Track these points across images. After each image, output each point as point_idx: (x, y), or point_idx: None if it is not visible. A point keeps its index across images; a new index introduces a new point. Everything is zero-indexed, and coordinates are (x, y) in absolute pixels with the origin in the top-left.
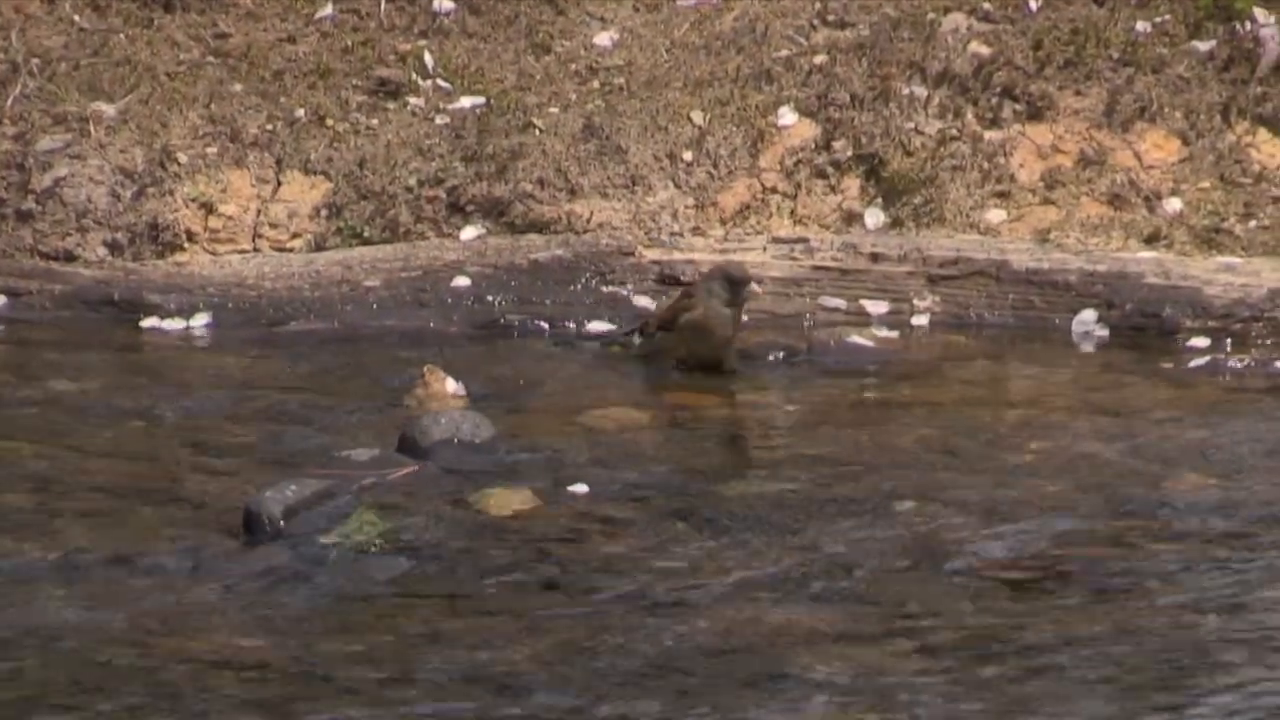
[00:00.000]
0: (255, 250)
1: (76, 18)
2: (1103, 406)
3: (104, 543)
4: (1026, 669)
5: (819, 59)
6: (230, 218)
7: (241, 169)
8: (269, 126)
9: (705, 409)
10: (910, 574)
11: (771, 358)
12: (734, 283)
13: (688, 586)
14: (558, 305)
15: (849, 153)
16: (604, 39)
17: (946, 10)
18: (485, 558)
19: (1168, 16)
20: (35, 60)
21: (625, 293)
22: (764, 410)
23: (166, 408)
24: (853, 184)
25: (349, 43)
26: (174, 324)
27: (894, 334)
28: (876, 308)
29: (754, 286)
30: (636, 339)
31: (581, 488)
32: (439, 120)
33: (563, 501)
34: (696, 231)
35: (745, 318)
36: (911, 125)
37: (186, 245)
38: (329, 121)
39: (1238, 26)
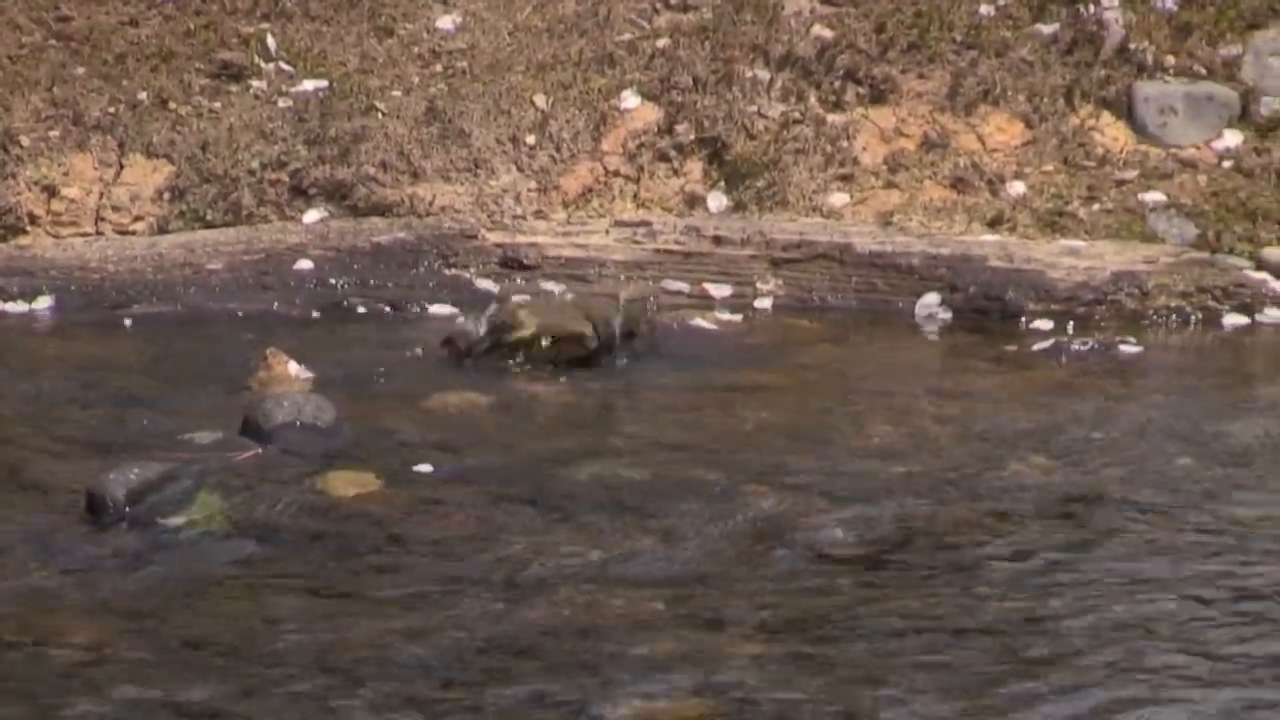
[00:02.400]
0: (98, 233)
1: None
2: (946, 389)
3: None
4: (868, 651)
5: (661, 42)
6: (73, 201)
7: (84, 152)
8: (111, 110)
9: (549, 394)
10: (753, 556)
11: None
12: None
13: (531, 568)
14: (400, 288)
15: (691, 136)
16: (447, 22)
17: None
18: (328, 540)
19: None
20: None
21: (468, 275)
22: (608, 395)
23: (8, 390)
24: (695, 167)
25: (191, 26)
26: (16, 307)
27: (737, 317)
28: (719, 291)
29: None
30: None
31: (425, 469)
32: (282, 103)
33: (406, 484)
34: (539, 215)
35: None
36: (754, 109)
37: (29, 228)
38: (171, 105)
39: (1081, 9)
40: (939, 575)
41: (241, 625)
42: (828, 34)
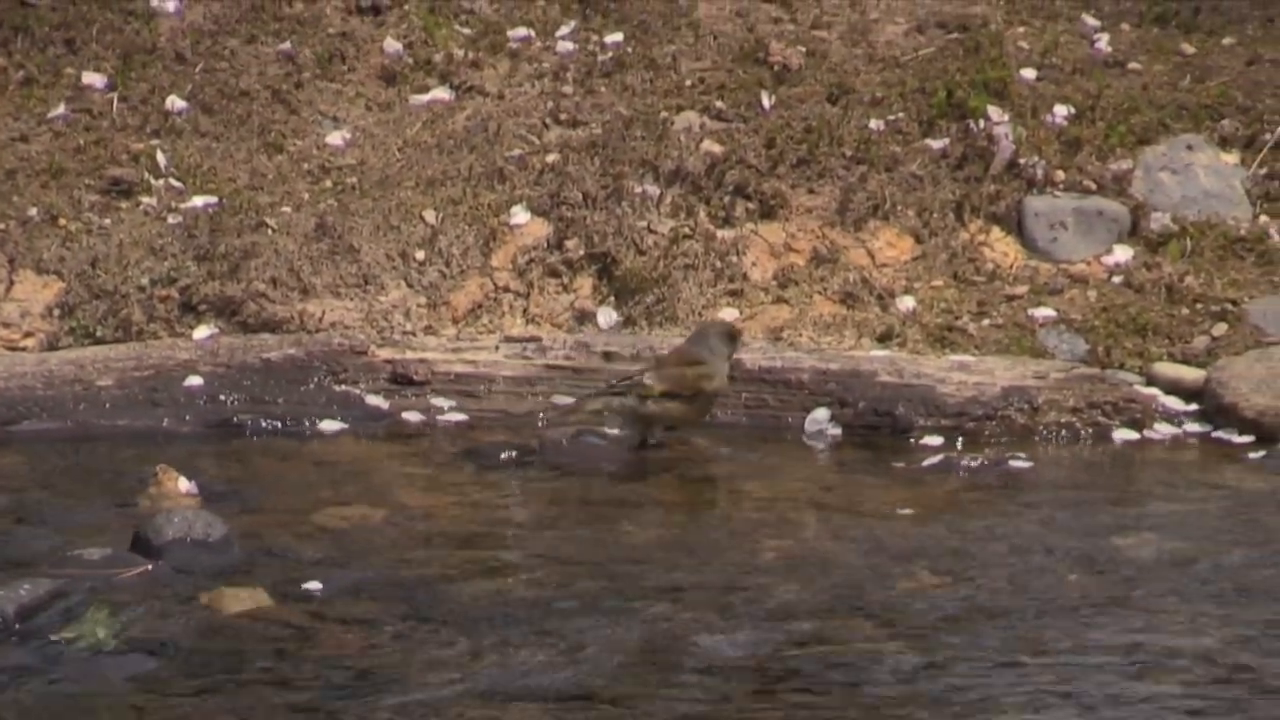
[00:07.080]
0: None
1: None
2: (836, 505)
3: None
4: None
5: (551, 158)
6: None
7: None
8: (1, 226)
9: (439, 509)
10: (645, 672)
11: (504, 457)
12: (733, 337)
13: (420, 686)
14: (290, 404)
15: (581, 251)
16: (336, 138)
17: (679, 108)
18: (218, 657)
19: (901, 114)
20: None
21: (358, 391)
22: (498, 510)
23: None
24: (585, 283)
25: (81, 142)
26: None
27: (629, 432)
28: None
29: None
30: (631, 399)
31: (315, 586)
32: (172, 219)
33: (296, 600)
34: (429, 330)
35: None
36: (644, 224)
37: None
38: (62, 221)
39: (971, 125)
40: (829, 690)
41: None
42: (717, 149)
